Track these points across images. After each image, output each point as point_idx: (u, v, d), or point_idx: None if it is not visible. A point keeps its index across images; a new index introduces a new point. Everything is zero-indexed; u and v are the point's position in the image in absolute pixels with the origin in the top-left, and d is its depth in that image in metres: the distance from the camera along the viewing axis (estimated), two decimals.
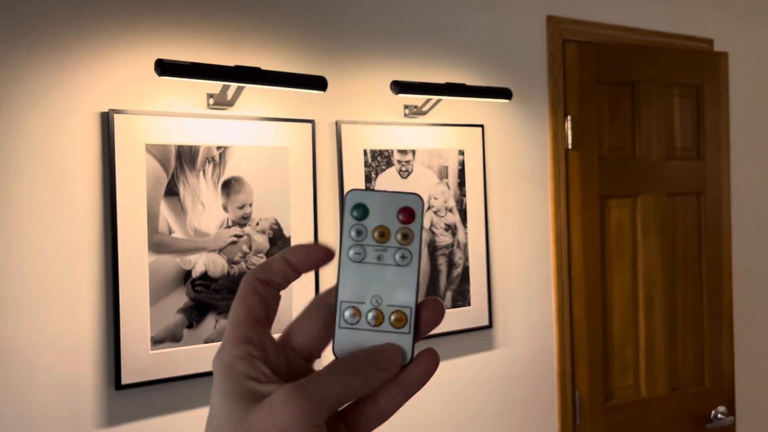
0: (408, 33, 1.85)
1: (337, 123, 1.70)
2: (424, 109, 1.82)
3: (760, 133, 2.60)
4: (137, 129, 1.43)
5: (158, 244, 1.45)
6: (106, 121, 1.41)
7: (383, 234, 0.38)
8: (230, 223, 1.54)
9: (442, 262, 1.85)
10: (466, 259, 1.89)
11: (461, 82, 1.86)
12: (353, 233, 0.38)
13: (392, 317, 0.38)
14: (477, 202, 1.92)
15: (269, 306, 0.38)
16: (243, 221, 1.56)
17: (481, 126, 1.93)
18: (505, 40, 2.02)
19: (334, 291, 0.38)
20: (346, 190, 1.70)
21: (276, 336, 0.39)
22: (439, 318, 0.38)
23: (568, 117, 2.10)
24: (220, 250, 1.53)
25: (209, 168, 1.52)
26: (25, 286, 1.34)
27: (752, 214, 2.55)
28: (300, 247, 0.39)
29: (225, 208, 1.54)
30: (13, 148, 1.34)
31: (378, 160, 1.75)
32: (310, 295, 1.61)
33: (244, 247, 1.56)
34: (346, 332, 0.38)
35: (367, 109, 1.76)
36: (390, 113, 1.80)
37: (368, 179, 1.74)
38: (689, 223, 2.30)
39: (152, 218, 1.45)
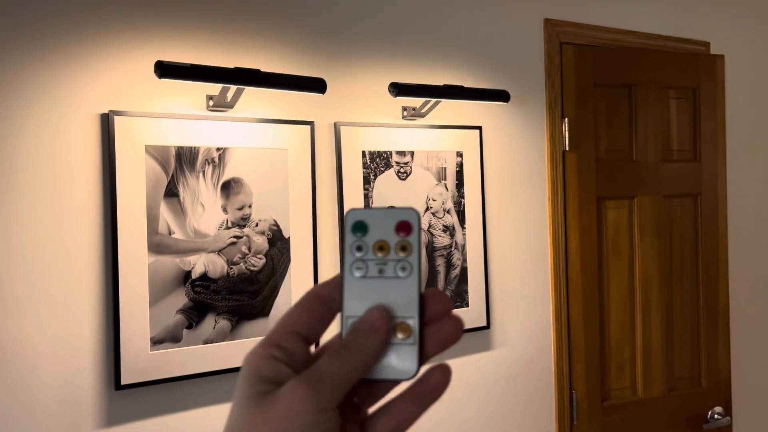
0: (406, 35, 1.86)
1: (335, 125, 1.71)
2: (423, 110, 1.83)
3: (756, 135, 2.62)
4: (137, 130, 1.44)
5: (158, 244, 1.46)
6: (106, 123, 1.42)
7: (383, 248, 0.39)
8: (230, 224, 1.55)
9: (440, 263, 1.86)
10: (464, 260, 1.90)
11: (459, 84, 1.87)
12: (354, 249, 0.39)
13: (397, 329, 0.38)
14: (475, 204, 1.93)
15: (316, 323, 0.39)
16: (242, 222, 1.57)
17: (479, 128, 1.94)
18: (502, 42, 2.03)
19: (328, 284, 0.39)
20: (344, 189, 1.71)
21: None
22: (447, 304, 0.39)
23: (566, 119, 2.11)
24: (220, 251, 1.54)
25: (209, 169, 1.53)
26: (26, 286, 1.35)
27: (748, 216, 2.57)
28: None
29: (224, 209, 1.54)
30: (14, 149, 1.35)
31: (376, 162, 1.76)
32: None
33: (244, 248, 1.57)
34: None
35: (365, 111, 1.77)
36: (388, 115, 1.81)
37: (366, 181, 1.74)
38: (686, 225, 2.31)
39: (152, 219, 1.45)
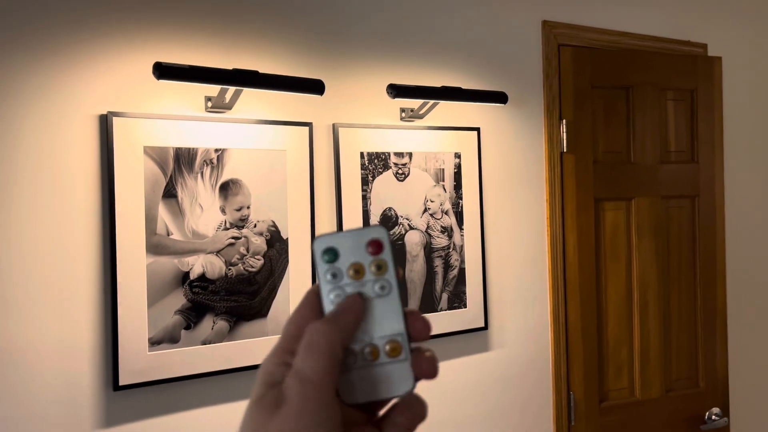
0: (405, 37, 1.86)
1: (334, 126, 1.72)
2: (421, 112, 1.83)
3: (754, 136, 2.63)
4: (136, 131, 1.44)
5: (156, 245, 1.46)
6: (105, 124, 1.42)
7: (358, 270, 0.39)
8: (228, 225, 1.55)
9: (438, 264, 1.86)
10: (462, 261, 1.91)
11: (457, 85, 1.88)
12: (329, 277, 0.39)
13: (387, 348, 0.38)
14: (473, 205, 1.93)
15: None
16: (241, 223, 1.57)
17: (477, 129, 1.95)
18: (501, 44, 2.03)
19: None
20: (343, 191, 1.71)
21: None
22: (425, 330, 0.40)
23: (564, 120, 2.12)
24: (218, 252, 1.54)
25: (207, 170, 1.53)
26: (24, 287, 1.35)
27: (746, 217, 2.57)
28: None
29: (223, 210, 1.55)
30: (13, 150, 1.35)
31: (375, 163, 1.77)
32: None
33: (242, 249, 1.57)
34: (346, 377, 0.38)
35: (364, 112, 1.78)
36: (387, 116, 1.81)
37: (365, 182, 1.75)
38: (683, 226, 2.32)
39: (150, 220, 1.45)
